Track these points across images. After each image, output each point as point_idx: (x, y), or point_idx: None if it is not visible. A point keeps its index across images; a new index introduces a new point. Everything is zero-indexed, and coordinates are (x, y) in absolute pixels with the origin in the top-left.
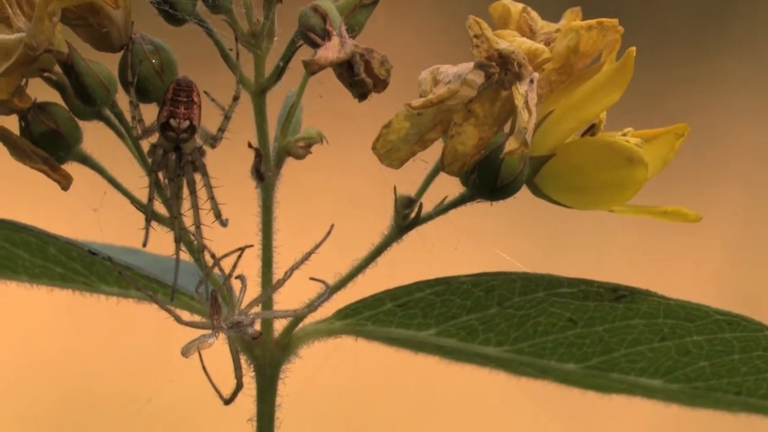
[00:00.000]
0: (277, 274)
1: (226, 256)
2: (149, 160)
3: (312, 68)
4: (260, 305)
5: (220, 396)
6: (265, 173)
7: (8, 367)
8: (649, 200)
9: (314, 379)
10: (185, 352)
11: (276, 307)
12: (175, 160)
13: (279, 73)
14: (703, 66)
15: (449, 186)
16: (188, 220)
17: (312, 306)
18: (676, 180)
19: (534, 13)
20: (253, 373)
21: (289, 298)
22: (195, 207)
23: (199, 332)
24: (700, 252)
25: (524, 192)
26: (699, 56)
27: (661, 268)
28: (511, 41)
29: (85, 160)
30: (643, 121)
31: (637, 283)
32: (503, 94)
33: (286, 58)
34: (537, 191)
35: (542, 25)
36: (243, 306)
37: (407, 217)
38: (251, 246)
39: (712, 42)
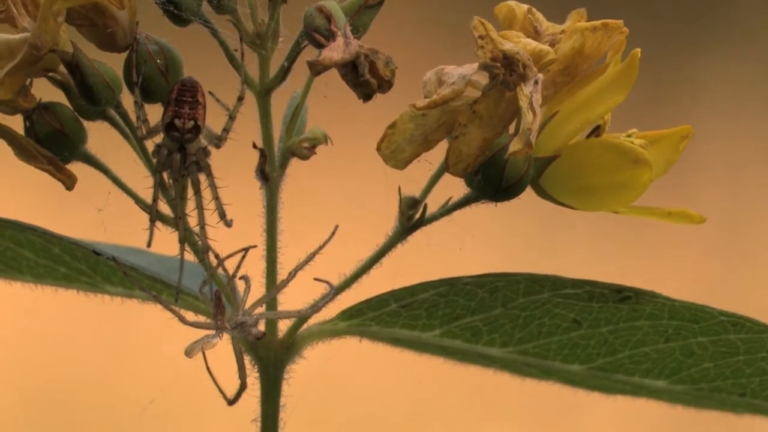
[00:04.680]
0: (282, 274)
1: (230, 256)
2: (154, 161)
3: (316, 69)
4: (264, 305)
5: (224, 396)
6: (269, 174)
7: (10, 368)
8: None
9: (318, 379)
10: (189, 353)
11: (280, 307)
12: (179, 160)
13: (284, 73)
14: (683, 70)
15: (454, 187)
16: (193, 221)
17: (316, 306)
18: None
19: (539, 15)
20: (257, 374)
21: (293, 299)
22: (199, 207)
23: (203, 332)
24: (681, 255)
25: (529, 193)
26: (679, 61)
27: (643, 269)
28: (516, 42)
29: (90, 160)
30: (630, 125)
31: (642, 284)
32: (508, 95)
33: (291, 58)
34: (541, 192)
35: (547, 26)
36: (247, 306)
37: (412, 217)
38: (255, 246)
39: (691, 46)
